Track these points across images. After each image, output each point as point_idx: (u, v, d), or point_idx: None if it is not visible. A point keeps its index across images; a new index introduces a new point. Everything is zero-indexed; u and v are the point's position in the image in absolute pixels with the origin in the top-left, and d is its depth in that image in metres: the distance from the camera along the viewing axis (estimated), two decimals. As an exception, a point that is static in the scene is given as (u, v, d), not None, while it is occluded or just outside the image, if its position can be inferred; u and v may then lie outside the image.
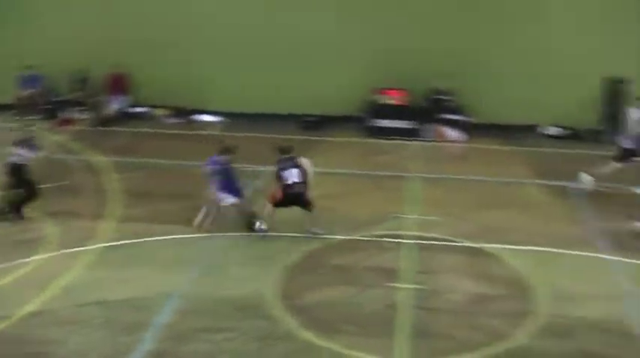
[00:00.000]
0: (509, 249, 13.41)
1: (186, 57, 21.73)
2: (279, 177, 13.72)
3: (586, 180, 16.67)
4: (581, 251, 13.53)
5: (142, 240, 13.55)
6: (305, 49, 21.20)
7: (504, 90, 20.77)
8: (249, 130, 20.45)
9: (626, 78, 20.43)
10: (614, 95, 20.65)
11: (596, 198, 16.22)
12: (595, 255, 13.49)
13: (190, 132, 20.48)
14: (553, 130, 21.04)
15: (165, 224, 14.22)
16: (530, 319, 11.07)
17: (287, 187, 13.63)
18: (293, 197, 13.63)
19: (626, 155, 16.66)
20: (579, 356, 10.23)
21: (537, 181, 17.26)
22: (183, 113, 21.76)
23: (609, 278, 12.57)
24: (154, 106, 21.93)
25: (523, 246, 13.57)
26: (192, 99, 21.86)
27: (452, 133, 20.34)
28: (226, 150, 14.03)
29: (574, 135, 21.00)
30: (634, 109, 17.13)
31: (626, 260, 13.22)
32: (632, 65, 20.39)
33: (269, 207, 13.84)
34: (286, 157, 13.91)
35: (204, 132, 20.56)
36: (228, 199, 13.83)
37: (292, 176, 13.63)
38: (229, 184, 13.86)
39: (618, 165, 16.68)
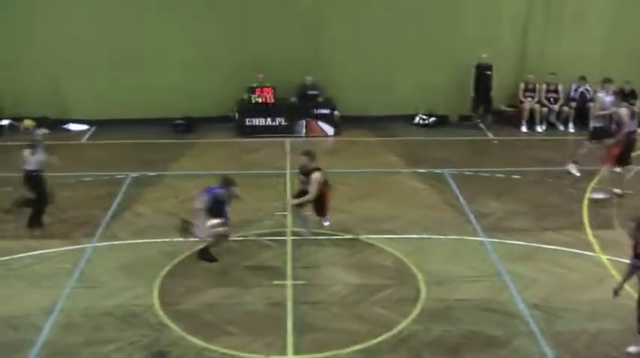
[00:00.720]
0: (388, 237, 13.62)
1: (48, 66, 20.93)
2: None
3: (574, 169, 17.28)
4: (457, 235, 13.89)
5: (13, 256, 13.02)
6: (173, 52, 20.83)
7: (372, 81, 21.06)
8: (118, 137, 20.05)
9: (492, 62, 21.06)
10: (483, 80, 21.23)
11: (467, 181, 16.68)
12: (470, 238, 13.87)
13: (59, 143, 19.82)
14: (423, 118, 21.45)
15: (36, 239, 13.72)
16: (412, 305, 11.26)
17: None
18: None
19: (596, 135, 17.18)
20: (463, 337, 10.47)
21: (410, 170, 17.59)
22: (49, 123, 20.99)
23: (485, 260, 12.96)
24: (19, 118, 21.03)
25: (401, 234, 13.83)
26: (58, 109, 21.13)
27: (322, 127, 20.49)
28: (228, 183, 12.90)
29: (444, 122, 21.49)
30: (602, 90, 17.86)
31: (499, 240, 13.65)
32: (498, 51, 21.03)
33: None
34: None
35: (72, 142, 19.97)
36: (214, 221, 12.67)
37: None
38: (220, 211, 12.85)
39: (592, 145, 17.26)
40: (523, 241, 13.65)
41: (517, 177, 17.11)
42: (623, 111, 16.00)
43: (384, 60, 21.09)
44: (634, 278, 10.02)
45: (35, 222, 14.22)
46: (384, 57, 21.06)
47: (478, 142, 20.15)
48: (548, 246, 13.46)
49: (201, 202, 12.55)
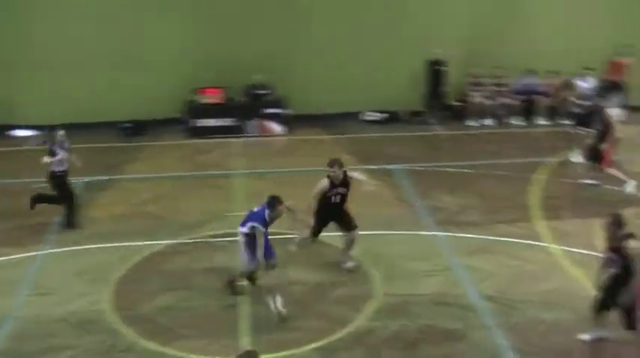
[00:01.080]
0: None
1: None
2: None
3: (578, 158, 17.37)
4: (411, 230, 13.95)
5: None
6: (120, 54, 20.54)
7: (322, 79, 21.01)
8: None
9: (445, 58, 21.18)
10: (435, 76, 21.34)
11: (420, 177, 16.75)
12: (424, 233, 13.94)
13: (5, 149, 19.49)
14: (373, 115, 21.50)
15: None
16: (368, 302, 11.28)
17: None
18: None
19: (581, 121, 17.83)
20: (420, 332, 10.52)
21: (362, 167, 17.55)
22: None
23: (440, 254, 13.03)
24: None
25: (355, 230, 13.79)
26: (4, 114, 20.71)
27: (273, 127, 20.43)
28: (276, 202, 11.38)
29: (394, 118, 21.56)
30: (581, 79, 18.26)
31: (453, 234, 13.74)
32: (449, 46, 21.10)
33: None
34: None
35: (21, 148, 19.62)
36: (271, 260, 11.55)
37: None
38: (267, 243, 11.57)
39: (581, 132, 17.75)
40: (477, 234, 13.75)
41: (468, 171, 17.24)
42: (614, 113, 16.08)
43: (335, 58, 21.09)
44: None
45: (72, 222, 14.18)
46: (335, 55, 21.07)
47: (429, 138, 20.23)
48: (502, 239, 13.58)
49: (249, 229, 11.16)
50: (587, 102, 17.96)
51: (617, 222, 9.74)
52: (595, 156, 15.96)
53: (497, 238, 13.60)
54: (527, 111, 21.40)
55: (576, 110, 18.21)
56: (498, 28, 21.45)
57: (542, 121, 21.34)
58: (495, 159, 18.07)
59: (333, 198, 12.21)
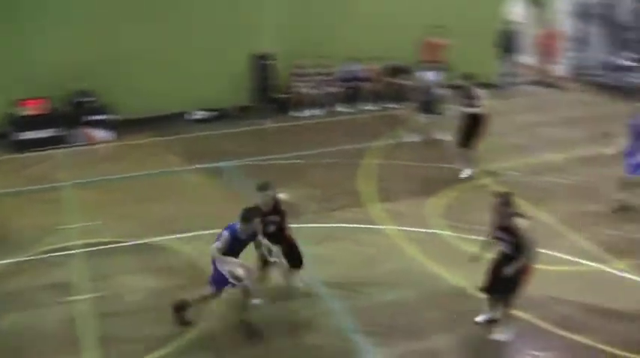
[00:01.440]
0: (177, 238, 13.29)
1: None
2: None
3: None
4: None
5: None
6: None
7: (147, 82, 20.32)
8: None
9: (271, 52, 21.09)
10: (262, 70, 21.23)
11: (252, 171, 16.63)
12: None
13: None
14: (200, 114, 21.19)
15: None
16: (212, 302, 11.08)
17: None
18: None
19: (425, 108, 18.33)
20: (266, 325, 10.43)
21: (192, 166, 17.32)
22: None
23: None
24: None
25: (190, 232, 13.48)
26: None
27: (99, 134, 19.76)
28: (253, 213, 10.28)
29: (224, 115, 21.31)
30: (420, 69, 19.12)
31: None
32: (273, 40, 21.01)
33: None
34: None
35: None
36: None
37: None
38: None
39: (427, 119, 18.41)
40: (316, 223, 13.79)
41: (299, 161, 17.30)
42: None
43: (159, 58, 20.49)
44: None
45: None
46: (158, 55, 20.47)
47: (259, 132, 20.14)
48: (340, 225, 13.71)
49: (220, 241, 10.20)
50: (431, 89, 18.42)
51: (506, 202, 9.96)
52: (466, 143, 16.23)
53: (337, 225, 13.72)
54: (352, 97, 21.79)
55: (419, 97, 18.64)
56: (321, 18, 21.60)
57: (367, 106, 21.77)
58: (325, 147, 18.21)
59: (265, 228, 10.73)
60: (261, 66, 21.29)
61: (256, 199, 10.80)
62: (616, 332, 10.34)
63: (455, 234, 13.22)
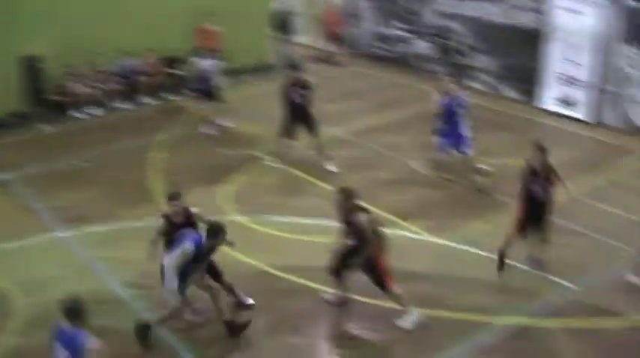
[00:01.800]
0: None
1: None
2: None
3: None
4: (39, 235, 13.36)
5: None
6: None
7: None
8: None
9: (40, 53, 20.21)
10: (32, 73, 20.30)
11: (36, 180, 16.03)
12: (52, 235, 13.45)
13: None
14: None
15: None
16: (9, 319, 10.69)
17: None
18: None
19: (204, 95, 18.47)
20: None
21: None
22: None
23: (72, 254, 12.77)
24: None
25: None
26: None
27: None
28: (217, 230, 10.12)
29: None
30: (198, 58, 19.00)
31: (81, 231, 13.45)
32: (46, 39, 20.04)
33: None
34: None
35: None
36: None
37: None
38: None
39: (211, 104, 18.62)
40: (106, 225, 13.63)
41: (86, 164, 16.84)
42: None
43: None
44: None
45: None
46: None
47: (37, 138, 19.20)
48: (130, 224, 13.55)
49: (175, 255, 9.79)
50: (208, 76, 18.49)
51: (346, 195, 10.06)
52: (289, 133, 16.34)
53: (126, 224, 13.60)
54: (132, 92, 21.42)
55: (197, 85, 18.70)
56: (91, 16, 20.96)
57: (148, 100, 21.49)
58: (110, 146, 17.83)
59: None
60: (31, 69, 20.36)
61: (166, 209, 10.59)
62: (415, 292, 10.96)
63: (248, 218, 13.45)
